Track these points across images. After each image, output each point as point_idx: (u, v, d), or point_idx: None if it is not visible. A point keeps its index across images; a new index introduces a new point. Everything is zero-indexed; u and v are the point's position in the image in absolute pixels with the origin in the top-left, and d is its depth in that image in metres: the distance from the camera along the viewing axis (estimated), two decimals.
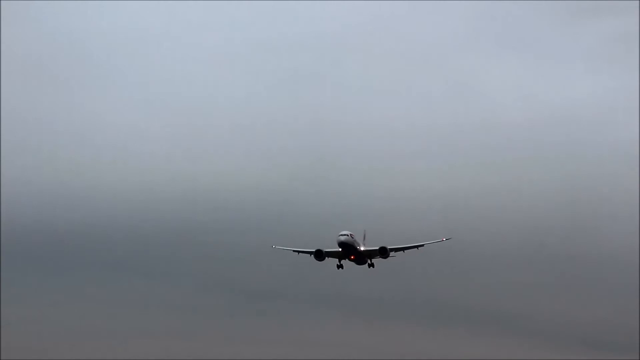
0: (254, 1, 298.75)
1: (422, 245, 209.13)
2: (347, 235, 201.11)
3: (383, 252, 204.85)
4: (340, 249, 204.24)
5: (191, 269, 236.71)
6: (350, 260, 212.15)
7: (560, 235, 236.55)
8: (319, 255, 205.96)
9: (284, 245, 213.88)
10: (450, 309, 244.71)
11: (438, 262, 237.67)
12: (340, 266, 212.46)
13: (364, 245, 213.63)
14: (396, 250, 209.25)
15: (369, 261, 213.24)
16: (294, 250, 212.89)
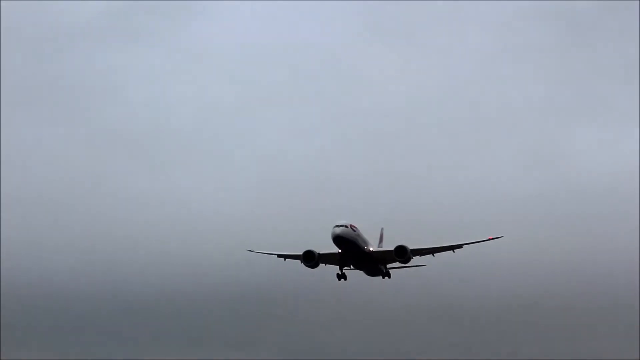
0: (334, 74, 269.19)
1: (461, 247, 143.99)
2: (345, 226, 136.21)
3: (401, 254, 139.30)
4: (338, 250, 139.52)
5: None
6: (357, 268, 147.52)
7: None
8: (309, 258, 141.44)
9: (260, 249, 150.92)
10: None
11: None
12: (341, 276, 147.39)
13: (379, 246, 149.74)
14: (422, 252, 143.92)
15: (382, 269, 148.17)
16: (278, 255, 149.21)
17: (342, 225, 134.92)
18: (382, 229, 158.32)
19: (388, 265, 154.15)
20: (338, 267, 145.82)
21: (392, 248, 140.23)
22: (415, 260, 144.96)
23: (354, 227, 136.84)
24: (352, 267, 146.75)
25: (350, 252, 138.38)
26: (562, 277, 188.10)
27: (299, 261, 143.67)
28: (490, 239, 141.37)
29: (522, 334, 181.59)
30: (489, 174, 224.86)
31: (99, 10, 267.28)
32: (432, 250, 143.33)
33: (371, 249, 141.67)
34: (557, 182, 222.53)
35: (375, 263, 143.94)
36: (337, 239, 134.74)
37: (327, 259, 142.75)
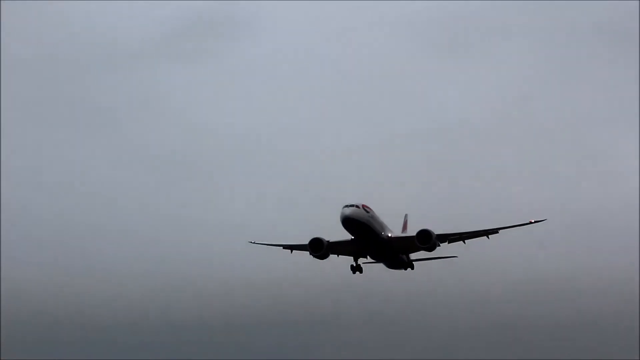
0: (374, 94, 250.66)
1: (497, 232, 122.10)
2: (357, 206, 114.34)
3: (425, 240, 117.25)
4: (350, 237, 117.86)
5: None
6: (375, 259, 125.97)
7: None
8: (317, 247, 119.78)
9: (263, 241, 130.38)
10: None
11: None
12: (356, 268, 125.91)
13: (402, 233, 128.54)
14: (451, 239, 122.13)
15: (404, 259, 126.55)
16: (284, 247, 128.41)
17: (352, 206, 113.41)
18: (406, 216, 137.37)
19: (412, 256, 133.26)
20: (352, 258, 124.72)
21: (413, 234, 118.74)
22: (444, 249, 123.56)
23: (367, 207, 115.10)
24: (369, 258, 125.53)
25: (364, 238, 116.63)
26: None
27: (308, 252, 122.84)
28: (531, 223, 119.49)
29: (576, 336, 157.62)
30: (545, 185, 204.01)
31: (150, 31, 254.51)
32: (463, 236, 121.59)
33: (390, 235, 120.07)
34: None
35: (396, 252, 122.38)
36: (347, 222, 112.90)
37: (339, 248, 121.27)
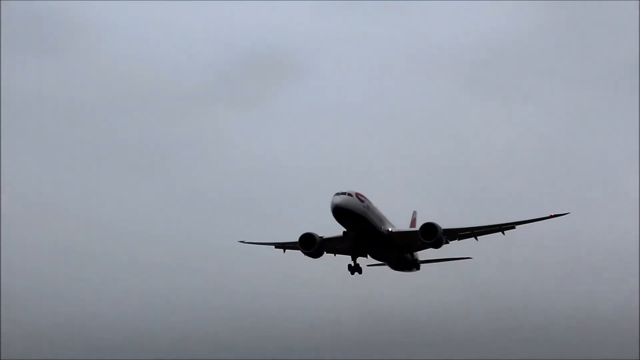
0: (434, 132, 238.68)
1: (513, 227, 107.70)
2: (348, 194, 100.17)
3: (430, 235, 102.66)
4: (343, 230, 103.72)
5: None
6: (375, 257, 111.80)
7: None
8: (308, 243, 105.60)
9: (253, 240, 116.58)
10: None
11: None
12: (354, 268, 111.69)
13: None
14: (460, 235, 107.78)
15: (409, 257, 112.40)
16: (275, 246, 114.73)
17: (343, 193, 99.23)
18: (414, 213, 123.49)
19: (420, 258, 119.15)
20: (350, 256, 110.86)
21: (416, 228, 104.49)
22: (456, 249, 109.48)
23: (362, 196, 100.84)
24: (369, 257, 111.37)
25: (360, 232, 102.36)
26: None
27: (298, 250, 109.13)
28: (552, 217, 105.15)
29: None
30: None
31: (198, 74, 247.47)
32: (474, 232, 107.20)
33: (390, 230, 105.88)
34: None
35: (398, 250, 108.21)
36: (338, 212, 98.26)
37: (334, 245, 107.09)
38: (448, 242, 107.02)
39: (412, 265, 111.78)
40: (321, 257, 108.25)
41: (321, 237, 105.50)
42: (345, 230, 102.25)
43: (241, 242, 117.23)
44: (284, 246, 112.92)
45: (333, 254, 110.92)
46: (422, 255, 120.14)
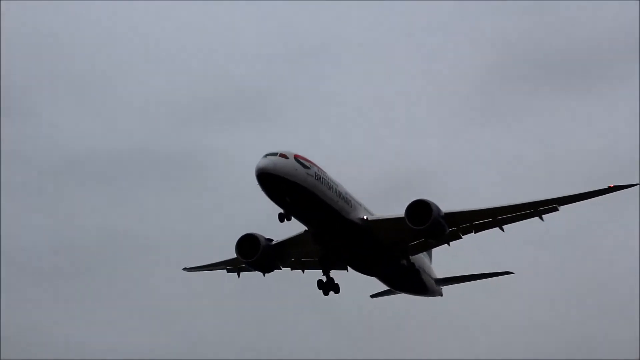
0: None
1: (556, 208, 72.35)
2: (280, 155, 62.85)
3: (418, 220, 66.77)
4: (305, 228, 69.32)
5: None
6: (358, 269, 76.71)
7: None
8: (248, 252, 71.25)
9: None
10: None
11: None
12: (327, 285, 76.03)
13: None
14: (478, 225, 72.59)
15: (404, 262, 76.39)
16: (227, 270, 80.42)
17: (274, 154, 65.01)
18: None
19: (438, 274, 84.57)
20: (322, 270, 75.89)
21: (401, 214, 68.77)
22: (468, 242, 74.26)
23: (305, 159, 65.83)
24: (349, 268, 76.54)
25: (312, 218, 67.71)
26: None
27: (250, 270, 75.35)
28: (611, 188, 70.18)
29: None
30: None
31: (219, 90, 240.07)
32: (497, 218, 72.08)
33: (366, 218, 70.77)
34: None
35: (386, 251, 72.80)
36: (265, 182, 62.20)
37: (293, 250, 72.88)
38: (461, 237, 72.49)
39: (415, 276, 76.18)
40: (277, 272, 75.12)
41: (269, 240, 71.65)
42: (306, 227, 68.21)
43: (185, 269, 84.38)
44: (234, 267, 79.27)
45: (301, 270, 77.18)
46: (438, 268, 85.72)
